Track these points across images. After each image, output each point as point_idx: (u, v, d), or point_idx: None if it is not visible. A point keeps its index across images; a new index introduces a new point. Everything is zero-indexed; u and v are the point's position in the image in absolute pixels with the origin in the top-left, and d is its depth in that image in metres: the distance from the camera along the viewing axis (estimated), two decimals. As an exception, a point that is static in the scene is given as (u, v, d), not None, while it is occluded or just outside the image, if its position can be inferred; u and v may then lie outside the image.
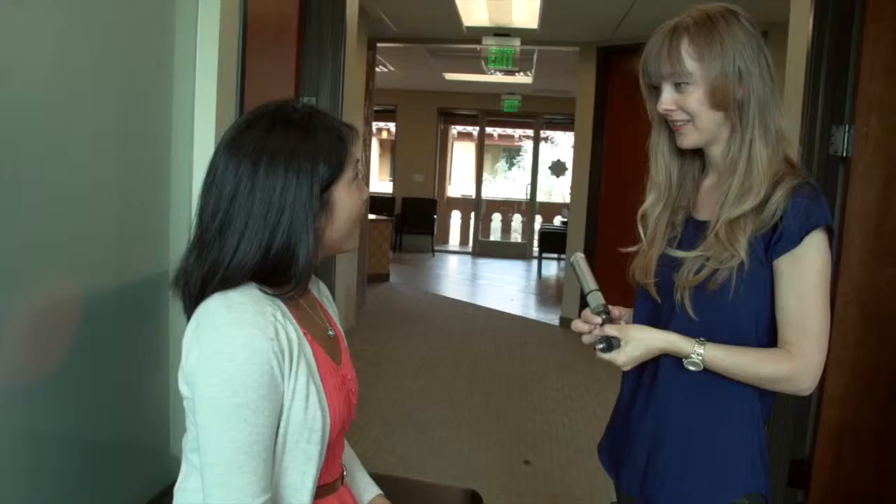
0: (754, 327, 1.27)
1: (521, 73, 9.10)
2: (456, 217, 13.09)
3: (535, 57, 7.86)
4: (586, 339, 1.33)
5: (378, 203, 10.84)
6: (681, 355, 1.25)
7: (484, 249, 11.99)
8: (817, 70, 2.67)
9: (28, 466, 1.27)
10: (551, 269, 10.68)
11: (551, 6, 5.22)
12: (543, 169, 12.58)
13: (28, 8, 1.22)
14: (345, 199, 1.15)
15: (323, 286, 1.40)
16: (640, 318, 1.38)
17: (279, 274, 1.09)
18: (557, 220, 11.87)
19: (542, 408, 4.44)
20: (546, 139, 13.84)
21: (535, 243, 11.17)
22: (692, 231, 1.33)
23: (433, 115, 11.82)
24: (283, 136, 1.09)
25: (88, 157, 1.42)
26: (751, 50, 1.23)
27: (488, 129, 13.27)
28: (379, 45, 6.95)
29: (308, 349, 1.12)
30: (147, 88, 1.63)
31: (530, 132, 12.53)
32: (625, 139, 6.13)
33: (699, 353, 1.23)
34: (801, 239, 1.20)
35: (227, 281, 1.07)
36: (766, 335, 1.27)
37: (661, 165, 1.39)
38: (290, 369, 1.07)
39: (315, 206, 1.10)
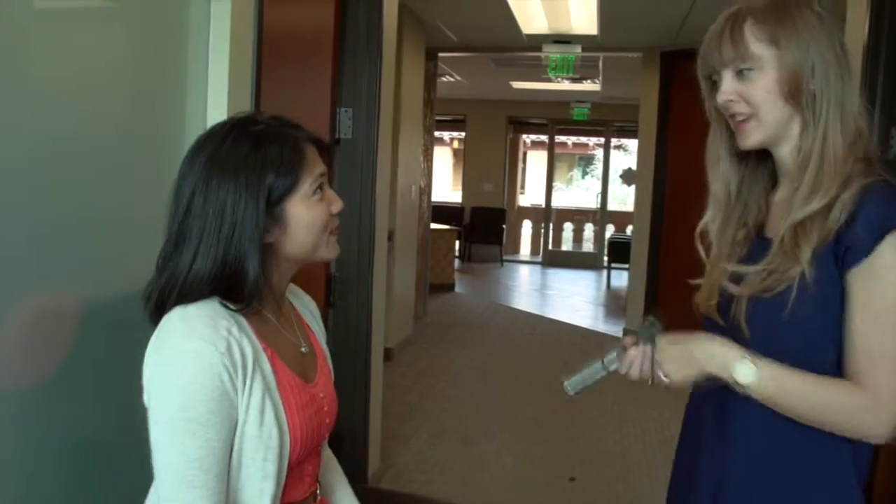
0: (832, 361, 1.07)
1: (589, 81, 8.98)
2: (527, 226, 12.99)
3: (600, 64, 7.74)
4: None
5: (446, 212, 10.87)
6: (726, 363, 1.08)
7: (554, 259, 11.84)
8: (874, 70, 2.52)
9: (34, 468, 1.30)
10: (621, 279, 10.44)
11: (609, 11, 5.12)
12: (616, 177, 12.36)
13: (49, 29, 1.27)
14: (301, 213, 1.11)
15: (309, 301, 1.38)
16: None
17: (236, 289, 1.07)
18: (630, 230, 11.61)
19: (595, 422, 4.33)
20: (619, 147, 13.59)
21: (605, 253, 10.97)
22: (758, 250, 1.16)
23: (502, 124, 11.79)
24: (234, 148, 1.07)
25: (101, 169, 1.46)
26: (826, 37, 1.10)
27: (562, 138, 13.13)
28: (441, 54, 6.96)
29: (266, 365, 1.10)
30: (159, 107, 1.67)
31: (602, 140, 12.34)
32: (690, 146, 5.88)
33: (754, 360, 1.06)
34: (872, 247, 1.02)
35: (185, 296, 1.06)
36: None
37: (720, 174, 1.24)
38: (244, 384, 1.05)
39: (262, 220, 1.07)
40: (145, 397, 1.09)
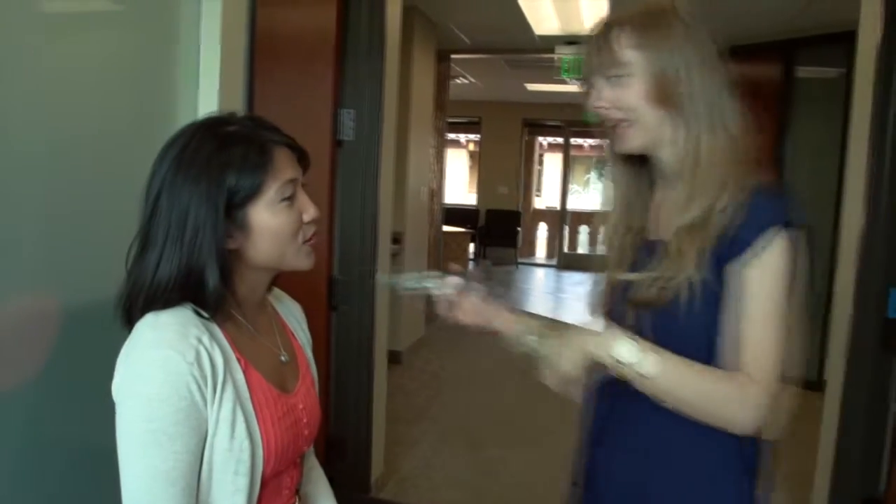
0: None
1: (604, 83, 8.88)
2: (543, 229, 12.89)
3: (615, 65, 7.65)
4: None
5: (460, 214, 10.83)
6: (608, 343, 1.06)
7: (569, 262, 11.75)
8: (889, 70, 2.45)
9: (39, 469, 1.30)
10: (637, 282, 10.36)
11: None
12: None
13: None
14: (266, 220, 1.06)
15: (295, 307, 1.34)
16: None
17: (201, 298, 1.03)
18: (646, 233, 11.50)
19: (605, 428, 4.26)
20: (636, 149, 13.47)
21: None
22: (646, 252, 1.18)
23: (517, 127, 11.72)
24: (199, 148, 1.03)
25: (89, 171, 1.45)
26: (694, 44, 1.12)
27: (579, 140, 12.99)
28: (453, 56, 6.92)
29: (239, 375, 1.06)
30: (148, 108, 1.65)
31: (618, 142, 12.23)
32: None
33: (635, 339, 1.04)
34: (755, 243, 1.04)
35: (151, 302, 1.02)
36: None
37: (616, 178, 1.27)
38: (214, 395, 1.01)
39: (222, 225, 1.02)
40: (117, 408, 1.06)
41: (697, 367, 1.06)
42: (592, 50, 1.15)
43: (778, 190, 1.09)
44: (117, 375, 1.01)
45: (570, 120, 11.53)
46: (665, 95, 1.11)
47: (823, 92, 5.24)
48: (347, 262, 2.94)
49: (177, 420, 0.97)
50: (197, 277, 1.02)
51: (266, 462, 1.07)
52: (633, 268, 1.19)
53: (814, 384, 5.13)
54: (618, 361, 1.05)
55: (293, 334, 1.29)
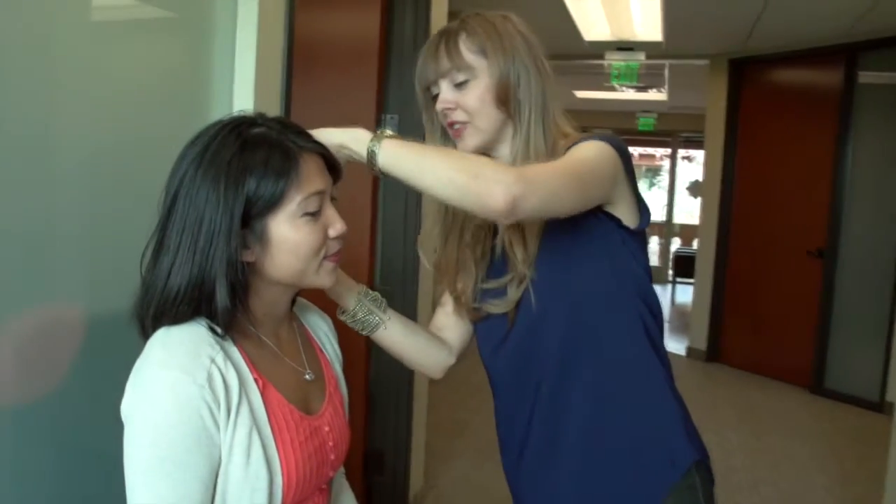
0: (617, 283, 1.20)
1: (655, 90, 8.71)
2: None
3: (666, 72, 7.50)
4: None
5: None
6: (361, 144, 1.07)
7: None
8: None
9: (54, 473, 1.27)
10: (686, 295, 10.10)
11: (674, 17, 4.91)
12: (683, 189, 12.02)
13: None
14: (286, 234, 0.98)
15: (323, 320, 1.26)
16: (484, 341, 1.35)
17: (214, 313, 0.96)
18: (697, 243, 11.24)
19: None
20: (688, 158, 13.22)
21: (671, 267, 10.64)
22: (501, 253, 1.25)
23: (565, 135, 11.57)
24: (220, 149, 0.95)
25: (121, 175, 1.42)
26: (528, 54, 1.20)
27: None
28: (501, 63, 6.84)
29: (256, 397, 0.98)
30: (182, 111, 1.62)
31: (669, 151, 12.01)
32: (759, 157, 5.67)
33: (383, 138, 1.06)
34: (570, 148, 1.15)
35: (161, 315, 0.96)
36: (643, 297, 1.22)
37: None
38: (228, 420, 0.93)
39: (237, 235, 0.95)
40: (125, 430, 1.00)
41: (458, 152, 1.15)
42: (438, 54, 1.19)
43: (600, 136, 1.17)
44: (126, 395, 0.95)
45: (620, 128, 11.34)
46: (503, 99, 1.18)
47: (888, 99, 5.01)
48: (389, 271, 2.88)
49: (186, 447, 0.90)
50: (208, 291, 0.95)
51: (286, 491, 0.99)
52: (493, 267, 1.28)
53: (876, 405, 4.92)
54: (373, 139, 1.06)
55: (321, 349, 1.21)
